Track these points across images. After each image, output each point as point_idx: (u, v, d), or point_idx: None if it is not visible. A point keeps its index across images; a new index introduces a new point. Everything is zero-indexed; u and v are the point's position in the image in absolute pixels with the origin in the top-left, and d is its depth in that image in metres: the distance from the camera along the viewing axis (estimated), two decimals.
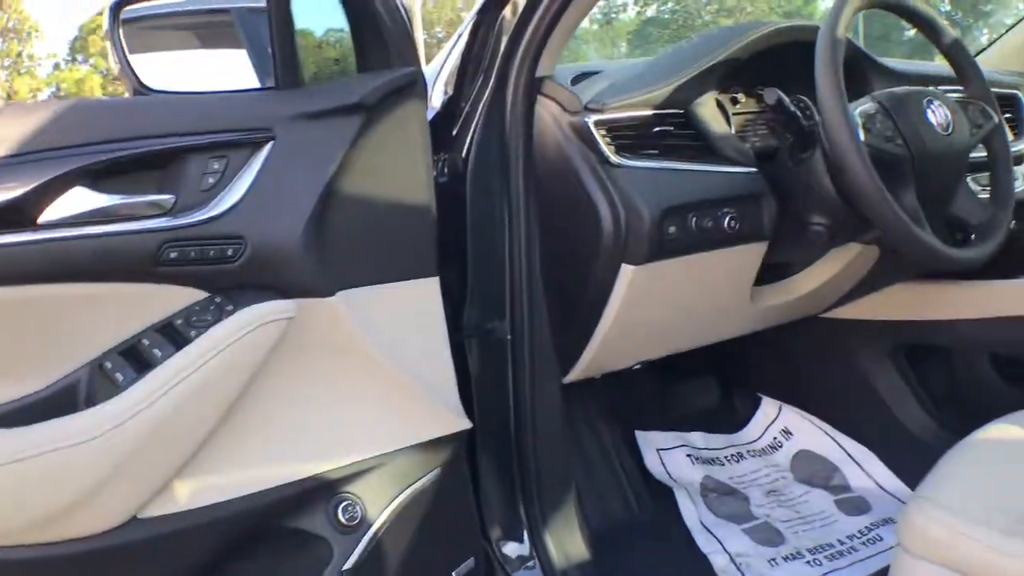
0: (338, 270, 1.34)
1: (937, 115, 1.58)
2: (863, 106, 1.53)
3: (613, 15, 47.25)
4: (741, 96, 1.81)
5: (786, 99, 1.55)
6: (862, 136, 1.45)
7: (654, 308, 1.70)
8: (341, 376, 1.42)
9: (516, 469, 1.68)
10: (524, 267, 1.61)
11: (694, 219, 1.57)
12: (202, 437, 1.29)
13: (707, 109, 1.67)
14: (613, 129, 1.57)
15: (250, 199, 1.27)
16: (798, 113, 1.57)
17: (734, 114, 1.80)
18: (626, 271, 1.57)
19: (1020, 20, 2.86)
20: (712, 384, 2.55)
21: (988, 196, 1.73)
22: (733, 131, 1.75)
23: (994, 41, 2.93)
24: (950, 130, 1.59)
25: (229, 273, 1.27)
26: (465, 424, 1.54)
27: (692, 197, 1.57)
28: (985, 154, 1.72)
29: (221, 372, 1.26)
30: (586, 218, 1.56)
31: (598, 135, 1.54)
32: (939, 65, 2.24)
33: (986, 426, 1.38)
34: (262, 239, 1.26)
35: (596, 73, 1.75)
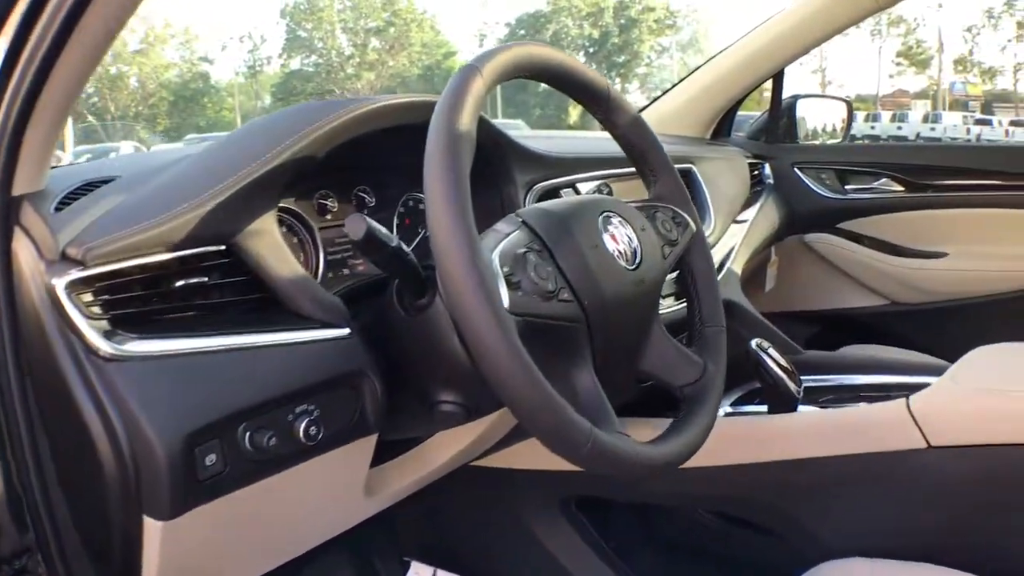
0: None
1: (618, 239, 1.07)
2: (506, 239, 0.98)
3: (259, 67, 47.24)
4: (333, 202, 1.26)
5: (380, 232, 0.96)
6: (506, 298, 0.91)
7: (217, 550, 1.09)
8: None
9: None
10: (37, 486, 1.00)
11: (248, 435, 0.96)
12: None
13: (266, 239, 1.06)
14: (106, 290, 0.95)
15: None
16: (403, 248, 0.99)
17: (322, 228, 1.24)
18: (151, 527, 0.94)
19: (678, 82, 2.56)
20: (344, 560, 1.97)
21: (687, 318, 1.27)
22: (321, 260, 1.22)
23: (653, 101, 2.59)
24: (637, 259, 1.09)
25: None
26: None
27: (241, 399, 0.96)
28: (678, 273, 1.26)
29: None
30: (80, 442, 0.93)
31: (76, 308, 0.91)
32: (597, 137, 1.82)
33: None
34: None
35: (110, 181, 1.13)
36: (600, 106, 1.17)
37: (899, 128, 32.40)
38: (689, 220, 1.21)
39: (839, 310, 2.72)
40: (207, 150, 1.17)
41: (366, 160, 1.27)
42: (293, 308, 1.06)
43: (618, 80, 45.50)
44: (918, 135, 31.32)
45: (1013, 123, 30.49)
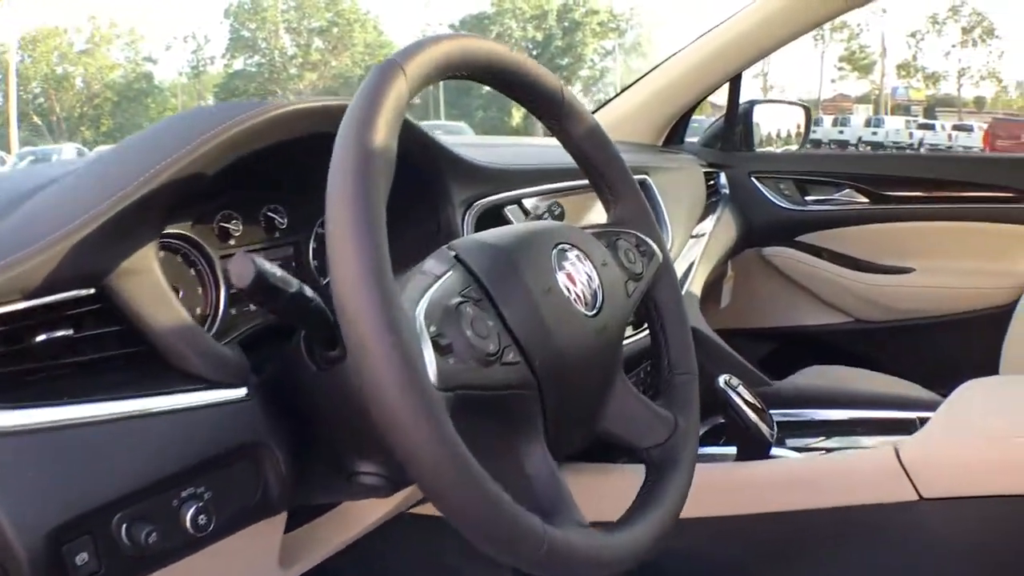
0: None
1: (576, 279, 0.89)
2: (436, 285, 0.79)
3: (202, 67, 46.81)
4: (236, 225, 1.07)
5: (273, 275, 0.77)
6: (433, 369, 0.71)
7: None
8: None
9: None
10: None
11: (125, 528, 0.78)
12: None
13: (143, 280, 0.87)
14: None
15: None
16: (304, 293, 0.80)
17: (224, 257, 1.04)
18: None
19: (629, 85, 2.41)
20: None
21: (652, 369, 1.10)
22: (222, 296, 1.02)
23: (602, 105, 2.43)
24: (598, 303, 0.91)
25: None
26: None
27: (115, 484, 0.78)
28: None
29: None
30: None
31: None
32: (545, 144, 1.65)
33: None
34: None
35: None
36: (552, 112, 0.99)
37: (840, 132, 32.80)
38: (655, 248, 1.04)
39: (798, 327, 2.57)
40: (83, 169, 0.96)
41: (277, 173, 1.09)
42: (178, 365, 0.87)
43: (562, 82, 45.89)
44: (860, 139, 31.68)
45: (956, 127, 30.84)
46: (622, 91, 2.42)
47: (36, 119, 41.36)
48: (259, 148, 0.96)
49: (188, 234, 1.01)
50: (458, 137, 1.74)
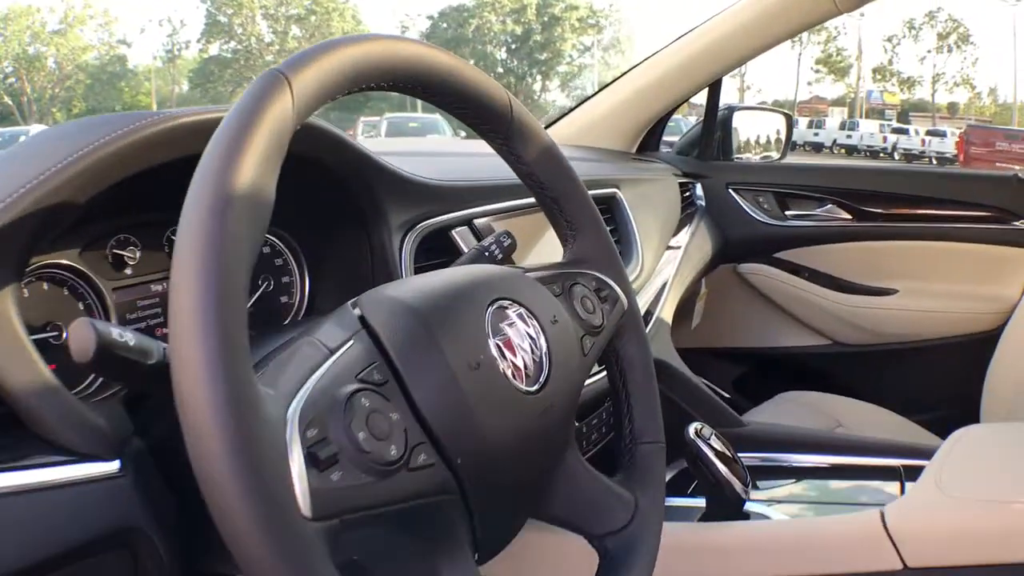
0: None
1: (515, 346, 0.71)
2: (327, 364, 0.61)
3: (177, 52, 46.56)
4: (133, 251, 0.91)
5: (124, 343, 0.58)
6: (305, 497, 0.52)
7: None
8: None
9: None
10: None
11: None
12: None
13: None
14: None
15: None
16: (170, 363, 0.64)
17: (118, 289, 0.89)
18: None
19: (602, 88, 2.26)
20: None
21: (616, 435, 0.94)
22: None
23: (575, 107, 2.29)
24: (543, 374, 0.72)
25: None
26: None
27: None
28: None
29: None
30: None
31: None
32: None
33: None
34: None
35: None
36: (497, 130, 0.82)
37: (816, 134, 32.91)
38: (619, 293, 0.89)
39: (774, 349, 2.43)
40: None
41: (179, 189, 0.93)
42: (40, 432, 0.71)
43: (540, 78, 46.00)
44: (834, 142, 31.79)
45: (930, 132, 30.89)
46: (596, 93, 2.29)
47: (7, 99, 41.09)
48: (141, 169, 0.80)
49: (75, 264, 0.86)
50: (395, 143, 1.57)
